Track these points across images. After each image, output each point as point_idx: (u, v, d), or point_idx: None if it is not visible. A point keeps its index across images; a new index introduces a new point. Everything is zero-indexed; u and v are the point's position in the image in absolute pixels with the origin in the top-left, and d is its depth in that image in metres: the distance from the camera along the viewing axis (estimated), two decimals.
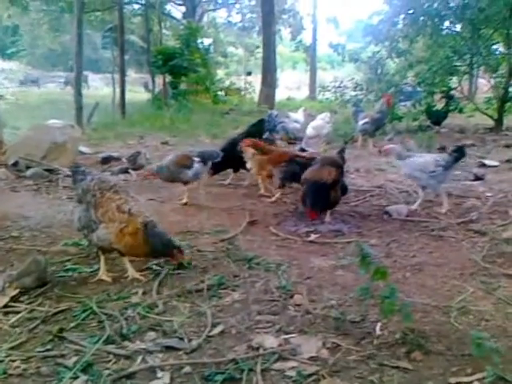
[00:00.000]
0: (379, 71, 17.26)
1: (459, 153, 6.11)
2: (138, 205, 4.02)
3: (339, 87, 18.79)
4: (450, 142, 11.90)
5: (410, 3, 15.65)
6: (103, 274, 4.01)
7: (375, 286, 3.15)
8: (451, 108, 14.97)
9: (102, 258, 4.06)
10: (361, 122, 11.73)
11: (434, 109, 15.12)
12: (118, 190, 4.04)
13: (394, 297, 2.99)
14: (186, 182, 6.41)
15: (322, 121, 11.63)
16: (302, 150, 11.03)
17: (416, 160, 6.22)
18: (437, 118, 14.82)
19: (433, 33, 15.76)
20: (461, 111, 15.47)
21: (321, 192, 5.39)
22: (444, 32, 16.05)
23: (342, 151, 6.12)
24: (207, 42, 26.86)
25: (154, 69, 21.83)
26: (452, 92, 15.32)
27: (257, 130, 7.86)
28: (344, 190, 5.80)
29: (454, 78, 15.65)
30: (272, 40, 24.63)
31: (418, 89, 16.23)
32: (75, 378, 2.67)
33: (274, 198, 6.70)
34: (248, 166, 6.96)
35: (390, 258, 4.61)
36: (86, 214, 3.96)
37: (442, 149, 10.84)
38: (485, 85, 18.25)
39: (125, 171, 8.02)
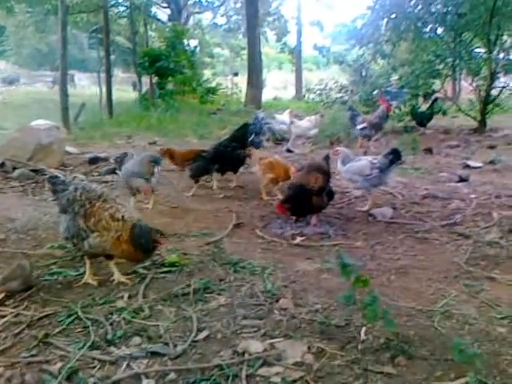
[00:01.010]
0: (364, 74, 17.43)
1: (394, 155, 6.23)
2: (128, 210, 4.01)
3: (324, 89, 18.89)
4: (435, 143, 12.03)
5: (393, 8, 15.79)
6: (89, 278, 4.00)
7: (360, 290, 3.15)
8: (435, 110, 15.10)
9: (88, 261, 4.05)
10: (359, 127, 11.83)
11: (419, 110, 15.24)
12: (107, 198, 4.03)
13: (376, 304, 3.01)
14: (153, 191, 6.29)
15: (309, 122, 11.72)
16: (289, 150, 11.12)
17: (354, 164, 6.36)
18: (421, 119, 14.94)
19: (415, 37, 15.95)
20: (444, 113, 15.63)
21: (303, 196, 5.41)
22: (426, 36, 16.22)
23: (327, 157, 6.13)
24: (193, 43, 26.81)
25: (140, 70, 21.76)
26: (436, 94, 15.47)
27: (242, 134, 7.90)
28: (331, 195, 5.81)
29: (437, 81, 15.80)
30: (257, 42, 24.64)
31: (404, 90, 16.36)
32: None
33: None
34: (254, 169, 7.11)
35: (374, 261, 4.65)
36: (74, 223, 3.94)
37: (428, 150, 10.94)
38: (467, 87, 18.44)
39: (112, 172, 7.98)
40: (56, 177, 4.41)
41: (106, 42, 18.78)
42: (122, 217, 3.88)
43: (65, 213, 4.05)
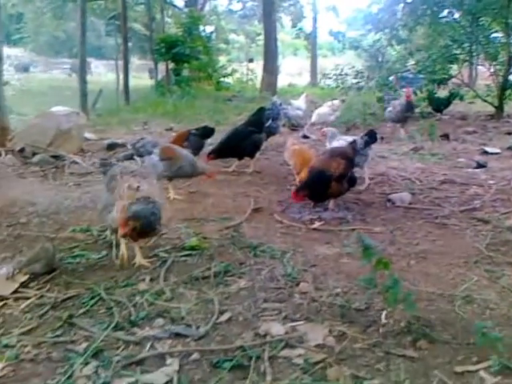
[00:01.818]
0: (380, 59, 17.31)
1: (370, 137, 6.39)
2: (152, 188, 4.00)
3: (340, 75, 18.79)
4: (451, 129, 11.95)
5: None
6: (141, 259, 4.02)
7: (380, 273, 3.15)
8: (453, 95, 14.98)
9: (123, 244, 4.08)
10: (387, 110, 11.80)
11: (436, 96, 15.13)
12: (137, 174, 4.07)
13: (397, 287, 3.01)
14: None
15: (328, 108, 11.66)
16: (305, 136, 11.09)
17: (336, 143, 6.59)
18: (438, 105, 14.84)
19: (432, 22, 15.75)
20: (461, 99, 15.50)
21: (322, 182, 5.38)
22: (443, 21, 16.02)
23: (353, 142, 6.10)
24: (209, 29, 26.75)
25: (157, 56, 21.79)
26: (452, 80, 15.34)
27: (258, 118, 7.93)
28: (353, 181, 5.76)
29: (455, 66, 15.64)
30: (272, 28, 24.59)
31: (420, 75, 16.21)
32: (86, 363, 2.71)
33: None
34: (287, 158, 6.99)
35: (393, 246, 4.62)
36: (109, 197, 4.02)
37: (445, 136, 10.87)
38: (484, 72, 18.26)
39: (130, 158, 8.02)
40: (105, 159, 4.51)
41: (123, 28, 18.79)
42: (138, 187, 3.85)
43: (108, 191, 4.12)
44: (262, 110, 8.17)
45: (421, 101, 15.16)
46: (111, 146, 9.02)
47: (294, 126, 12.27)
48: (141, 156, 7.37)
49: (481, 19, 14.98)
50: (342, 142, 6.53)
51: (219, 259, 4.15)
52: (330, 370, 2.67)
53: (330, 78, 19.43)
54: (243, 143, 7.48)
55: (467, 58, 15.87)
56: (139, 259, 4.05)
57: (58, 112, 8.81)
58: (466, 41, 14.73)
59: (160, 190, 4.25)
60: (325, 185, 5.39)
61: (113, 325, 3.08)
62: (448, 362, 2.75)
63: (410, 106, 11.44)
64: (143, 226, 3.72)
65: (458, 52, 15.11)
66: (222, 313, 3.28)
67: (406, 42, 16.44)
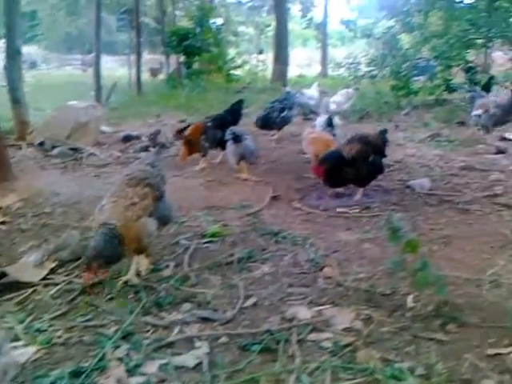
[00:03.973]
0: (393, 46, 17.04)
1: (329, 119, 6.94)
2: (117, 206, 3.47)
3: (353, 63, 18.56)
4: (468, 116, 11.79)
5: None
6: (133, 276, 3.54)
7: (406, 258, 3.12)
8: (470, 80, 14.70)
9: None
10: (474, 113, 9.90)
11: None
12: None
13: (427, 269, 2.98)
14: None
15: (342, 97, 11.56)
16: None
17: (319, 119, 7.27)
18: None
19: (448, 6, 15.44)
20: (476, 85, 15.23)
21: (336, 163, 5.38)
22: (459, 5, 15.71)
23: (383, 132, 5.99)
24: (219, 21, 26.60)
25: (168, 49, 21.76)
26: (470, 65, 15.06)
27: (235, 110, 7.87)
28: (377, 169, 5.70)
29: (471, 51, 15.35)
30: (284, 17, 24.45)
31: (432, 63, 15.95)
32: (117, 346, 2.73)
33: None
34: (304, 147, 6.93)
35: (415, 232, 4.56)
36: None
37: (461, 123, 10.74)
38: (501, 57, 17.94)
39: (145, 149, 8.05)
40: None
41: (136, 22, 18.73)
42: (102, 206, 3.53)
43: None
44: (240, 101, 8.07)
45: (436, 89, 14.92)
46: (127, 138, 9.05)
47: (306, 115, 12.17)
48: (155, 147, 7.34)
49: (498, 2, 14.63)
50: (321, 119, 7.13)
51: (241, 246, 4.17)
52: (359, 352, 2.65)
53: (342, 67, 19.19)
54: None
55: (485, 43, 15.52)
56: (130, 275, 3.56)
57: (76, 105, 8.92)
58: (484, 25, 14.33)
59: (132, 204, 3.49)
60: (339, 167, 5.38)
61: (140, 308, 3.11)
62: (479, 345, 2.72)
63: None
64: (108, 261, 3.32)
65: (475, 36, 14.79)
66: (247, 298, 3.29)
67: (421, 27, 16.11)
